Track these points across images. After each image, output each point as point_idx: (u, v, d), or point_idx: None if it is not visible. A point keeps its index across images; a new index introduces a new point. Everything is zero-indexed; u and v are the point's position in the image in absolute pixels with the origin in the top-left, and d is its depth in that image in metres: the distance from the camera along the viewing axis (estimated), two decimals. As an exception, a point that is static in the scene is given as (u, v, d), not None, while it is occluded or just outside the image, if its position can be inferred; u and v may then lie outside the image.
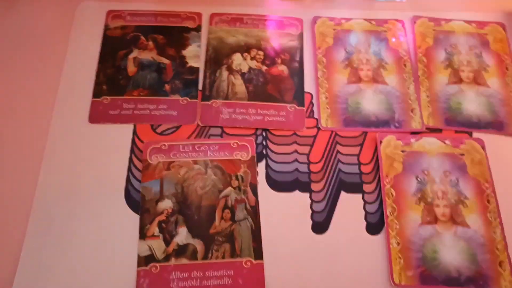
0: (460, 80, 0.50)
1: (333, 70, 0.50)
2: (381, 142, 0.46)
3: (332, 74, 0.50)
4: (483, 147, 0.46)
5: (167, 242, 0.41)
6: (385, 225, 0.43)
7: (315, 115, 0.48)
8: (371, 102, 0.49)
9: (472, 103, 0.49)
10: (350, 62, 0.51)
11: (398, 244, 0.42)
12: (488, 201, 0.44)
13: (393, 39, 0.52)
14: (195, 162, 0.45)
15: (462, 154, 0.46)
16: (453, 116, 0.48)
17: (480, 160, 0.46)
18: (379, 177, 0.45)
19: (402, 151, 0.46)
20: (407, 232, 0.43)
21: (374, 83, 0.50)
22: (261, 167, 0.45)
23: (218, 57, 0.51)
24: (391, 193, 0.44)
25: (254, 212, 0.43)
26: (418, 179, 0.45)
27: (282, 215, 0.43)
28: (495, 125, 0.48)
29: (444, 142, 0.47)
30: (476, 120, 0.48)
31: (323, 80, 0.50)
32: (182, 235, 0.42)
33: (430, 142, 0.47)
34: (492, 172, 0.46)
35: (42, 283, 0.40)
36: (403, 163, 0.45)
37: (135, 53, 0.50)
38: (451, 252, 0.42)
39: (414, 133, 0.47)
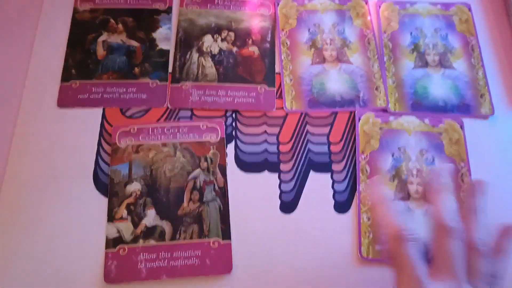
0: (426, 64, 0.50)
1: (297, 52, 0.50)
2: (359, 119, 0.46)
3: (296, 56, 0.50)
4: (462, 127, 0.46)
5: (135, 224, 0.41)
6: (357, 200, 0.43)
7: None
8: (335, 82, 0.48)
9: (438, 87, 0.49)
10: (314, 42, 0.51)
11: (369, 219, 0.42)
12: (462, 180, 0.44)
13: (358, 20, 0.52)
14: (164, 145, 0.45)
15: (440, 133, 0.46)
16: (419, 100, 0.48)
17: (457, 140, 0.46)
18: (349, 156, 0.45)
19: (380, 128, 0.46)
20: None
21: (339, 63, 0.49)
22: (230, 149, 0.45)
23: (188, 39, 0.51)
24: (366, 170, 0.44)
25: (222, 193, 0.43)
26: (394, 156, 0.45)
27: (251, 195, 0.43)
28: (462, 108, 0.48)
29: (423, 121, 0.47)
30: (442, 104, 0.48)
31: (287, 62, 0.49)
32: (150, 217, 0.42)
33: (409, 121, 0.47)
34: (468, 152, 0.46)
35: (11, 267, 0.40)
36: (380, 140, 0.45)
37: (104, 36, 0.50)
38: (423, 230, 0.42)
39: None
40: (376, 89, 0.48)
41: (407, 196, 0.44)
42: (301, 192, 0.44)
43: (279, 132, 0.46)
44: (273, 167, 0.45)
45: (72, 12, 0.51)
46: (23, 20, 0.51)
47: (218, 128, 0.46)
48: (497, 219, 0.42)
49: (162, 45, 0.50)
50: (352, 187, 0.44)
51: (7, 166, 0.44)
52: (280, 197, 0.43)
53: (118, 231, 0.41)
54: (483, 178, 0.44)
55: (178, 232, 0.41)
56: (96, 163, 0.44)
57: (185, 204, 0.42)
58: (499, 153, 0.46)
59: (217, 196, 0.43)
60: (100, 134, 0.45)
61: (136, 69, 0.49)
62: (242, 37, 0.51)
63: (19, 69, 0.48)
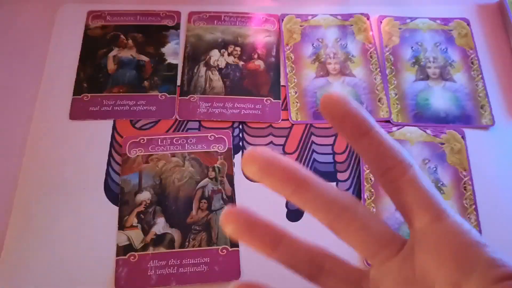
0: (427, 77, 0.51)
1: (301, 65, 0.52)
2: None
3: (301, 69, 0.51)
4: (463, 137, 0.47)
5: (145, 232, 0.42)
6: None
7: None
8: (339, 95, 0.50)
9: (439, 98, 0.50)
10: (318, 56, 0.52)
11: None
12: (465, 189, 0.45)
13: (360, 35, 0.54)
14: (173, 155, 0.46)
15: (443, 143, 0.47)
16: (421, 112, 0.49)
17: (459, 149, 0.47)
18: (353, 166, 0.46)
19: None
20: (383, 216, 0.44)
21: (342, 76, 0.51)
22: (238, 159, 0.46)
23: (196, 54, 0.52)
24: (370, 179, 0.45)
25: (230, 202, 0.44)
26: None
27: (258, 204, 0.43)
28: (463, 119, 0.49)
29: (425, 132, 0.48)
30: (443, 115, 0.49)
31: (292, 75, 0.51)
32: (160, 225, 0.43)
33: (411, 131, 0.48)
34: (470, 161, 0.47)
35: (24, 276, 0.41)
36: None
37: (115, 52, 0.52)
38: None
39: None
40: (379, 101, 0.50)
41: None
42: (307, 201, 0.44)
43: (285, 143, 0.47)
44: (280, 176, 0.46)
45: (84, 28, 0.53)
46: (36, 36, 0.53)
47: (226, 139, 0.47)
48: (499, 228, 0.43)
49: (170, 60, 0.52)
50: (357, 196, 0.45)
51: (20, 176, 0.45)
52: (286, 205, 0.44)
53: (129, 239, 0.42)
54: (485, 186, 0.45)
55: (187, 240, 0.42)
56: (107, 173, 0.45)
57: (193, 212, 0.43)
58: (500, 162, 0.47)
59: (225, 204, 0.44)
60: (111, 145, 0.47)
61: (146, 83, 0.50)
62: (248, 51, 0.53)
63: (32, 83, 0.50)
